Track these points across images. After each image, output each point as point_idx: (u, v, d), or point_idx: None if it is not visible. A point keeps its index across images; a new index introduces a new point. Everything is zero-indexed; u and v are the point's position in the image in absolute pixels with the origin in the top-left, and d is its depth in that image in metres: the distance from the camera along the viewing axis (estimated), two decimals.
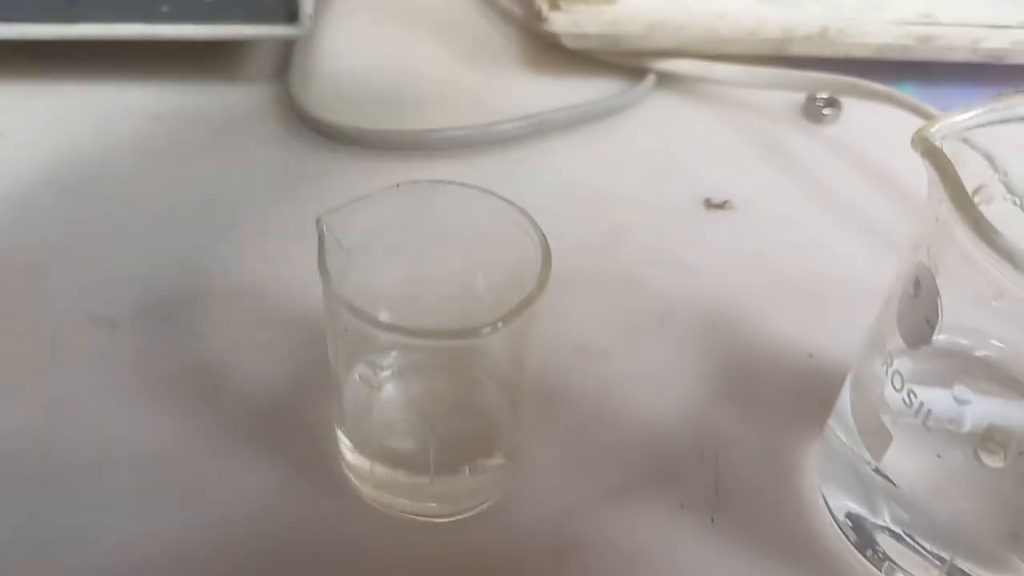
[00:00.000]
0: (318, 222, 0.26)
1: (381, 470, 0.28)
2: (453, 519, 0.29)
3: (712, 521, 0.30)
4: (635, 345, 0.36)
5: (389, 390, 0.30)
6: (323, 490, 0.30)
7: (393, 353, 0.30)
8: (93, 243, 0.38)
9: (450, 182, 0.28)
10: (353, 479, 0.29)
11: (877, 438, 0.27)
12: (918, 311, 0.25)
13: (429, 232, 0.28)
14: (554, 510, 0.30)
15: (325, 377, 0.29)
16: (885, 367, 0.27)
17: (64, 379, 0.33)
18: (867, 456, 0.28)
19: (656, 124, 0.48)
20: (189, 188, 0.41)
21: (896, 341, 0.27)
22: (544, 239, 0.27)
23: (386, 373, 0.29)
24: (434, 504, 0.29)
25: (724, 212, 0.42)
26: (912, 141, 0.26)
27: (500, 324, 0.24)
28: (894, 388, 0.27)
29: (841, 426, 0.30)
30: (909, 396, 0.26)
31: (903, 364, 0.27)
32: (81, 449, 0.31)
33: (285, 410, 0.32)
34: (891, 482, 0.27)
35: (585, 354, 0.35)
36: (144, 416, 0.32)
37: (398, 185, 0.28)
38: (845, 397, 0.30)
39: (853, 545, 0.29)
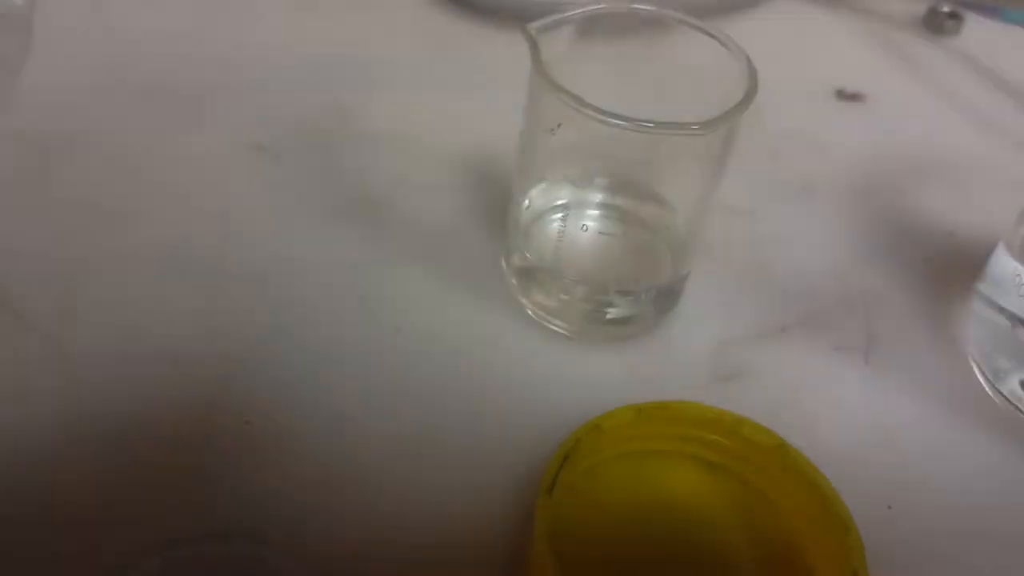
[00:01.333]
0: (526, 30, 0.27)
1: (557, 287, 0.29)
2: (619, 341, 0.30)
3: (866, 363, 0.31)
4: (779, 209, 0.36)
5: (576, 206, 0.31)
6: (492, 309, 0.31)
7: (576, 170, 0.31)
8: (251, 83, 0.39)
9: (651, 8, 0.29)
10: (523, 300, 0.31)
11: None
12: None
13: (627, 58, 0.29)
14: (715, 342, 0.31)
15: (488, 213, 0.30)
16: None
17: (231, 197, 0.34)
18: None
19: (777, 24, 0.48)
20: (341, 45, 0.42)
21: None
22: (749, 59, 0.27)
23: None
24: (603, 325, 0.30)
25: (856, 103, 0.43)
26: None
27: (714, 123, 0.25)
28: None
29: (992, 284, 0.31)
30: None
31: None
32: (251, 259, 0.32)
33: (450, 237, 0.33)
34: None
35: (733, 213, 0.36)
36: (311, 234, 0.33)
37: (601, 4, 0.29)
38: (998, 258, 0.31)
39: (993, 390, 0.30)
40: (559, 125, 0.26)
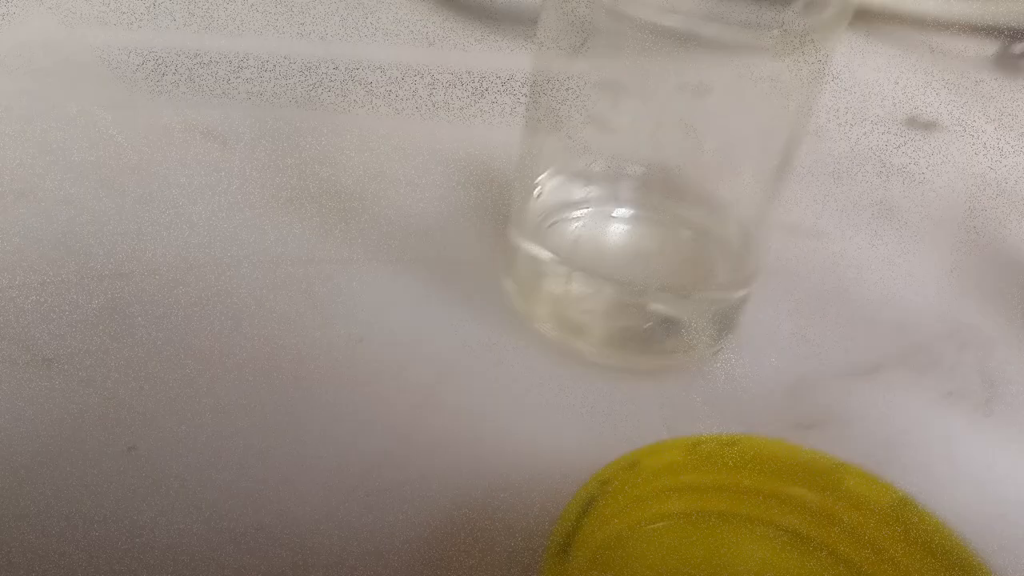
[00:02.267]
0: None
1: (577, 290, 0.22)
2: (662, 369, 0.23)
3: (987, 413, 0.23)
4: (855, 233, 0.29)
5: (599, 202, 0.24)
6: (486, 321, 0.23)
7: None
8: (204, 70, 0.33)
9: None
10: (529, 309, 0.23)
11: None
12: None
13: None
14: (791, 379, 0.23)
15: (480, 212, 0.24)
16: None
17: (170, 181, 0.27)
18: None
19: (845, 57, 0.42)
20: (325, 39, 0.37)
21: None
22: None
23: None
24: (640, 344, 0.22)
25: (929, 132, 0.36)
26: None
27: (798, 38, 0.19)
28: None
29: None
30: None
31: None
32: (188, 245, 0.25)
33: (431, 237, 0.26)
34: None
35: (801, 234, 0.29)
36: (262, 224, 0.26)
37: None
38: None
39: None
40: (585, 41, 0.19)
